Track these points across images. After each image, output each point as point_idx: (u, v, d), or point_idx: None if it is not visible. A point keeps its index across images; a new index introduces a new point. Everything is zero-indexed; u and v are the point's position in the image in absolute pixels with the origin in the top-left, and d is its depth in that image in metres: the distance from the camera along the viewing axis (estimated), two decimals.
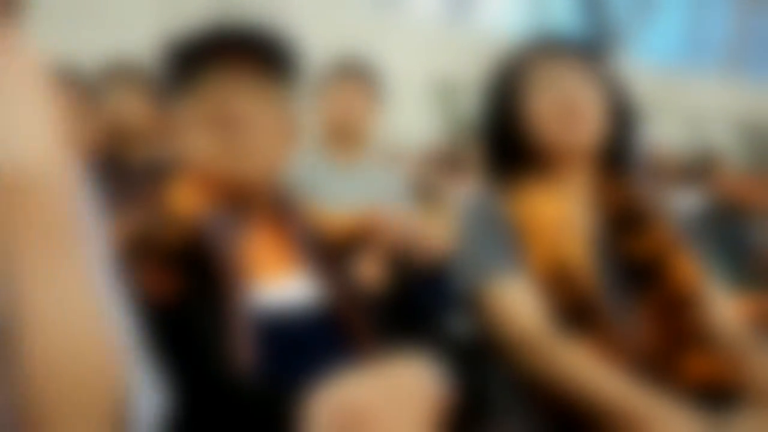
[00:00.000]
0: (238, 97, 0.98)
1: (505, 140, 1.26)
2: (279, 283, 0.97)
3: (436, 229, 1.95)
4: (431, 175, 2.95)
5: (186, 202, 0.98)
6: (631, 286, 1.14)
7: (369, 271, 1.54)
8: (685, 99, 7.35)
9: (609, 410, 1.01)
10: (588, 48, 1.30)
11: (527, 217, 1.18)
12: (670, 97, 7.20)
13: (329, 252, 1.04)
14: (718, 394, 1.08)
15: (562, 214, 1.18)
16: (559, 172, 1.22)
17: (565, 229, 1.16)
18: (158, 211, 0.98)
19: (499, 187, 1.24)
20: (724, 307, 1.20)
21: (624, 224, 1.20)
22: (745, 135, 7.65)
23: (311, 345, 0.92)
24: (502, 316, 1.12)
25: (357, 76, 2.11)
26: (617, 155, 1.25)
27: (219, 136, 0.97)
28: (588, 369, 1.04)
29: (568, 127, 1.19)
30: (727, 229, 3.05)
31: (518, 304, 1.11)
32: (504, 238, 1.16)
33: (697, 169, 4.76)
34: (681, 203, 3.40)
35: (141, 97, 1.86)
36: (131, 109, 1.89)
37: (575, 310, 1.10)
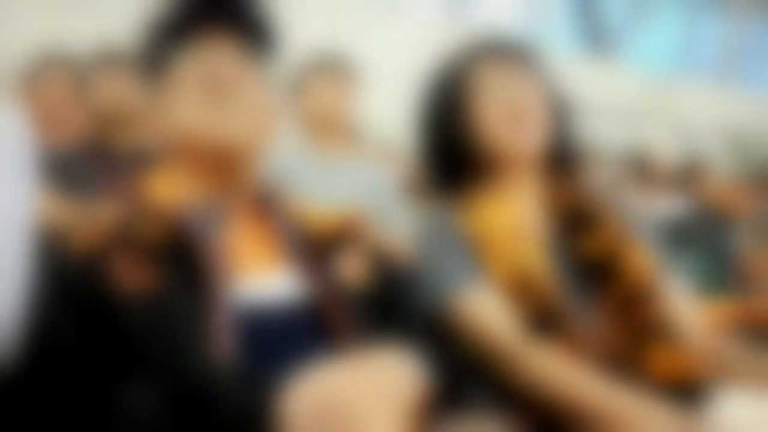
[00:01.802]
0: (227, 65, 0.99)
1: (450, 148, 1.23)
2: (261, 278, 0.96)
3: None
4: (417, 173, 2.94)
5: (168, 192, 0.98)
6: (588, 285, 1.14)
7: (351, 268, 1.54)
8: (676, 106, 7.38)
9: (587, 412, 1.02)
10: (525, 48, 1.28)
11: (482, 228, 1.17)
12: (661, 104, 7.23)
13: (312, 247, 1.04)
14: (683, 387, 1.09)
15: (515, 221, 1.17)
16: (506, 178, 1.21)
17: (520, 236, 1.16)
18: (139, 201, 0.98)
19: (449, 199, 1.23)
20: (682, 302, 1.21)
21: (574, 224, 1.19)
22: (733, 143, 7.70)
23: (292, 340, 0.92)
24: (471, 328, 1.11)
25: (339, 69, 2.11)
26: (561, 156, 1.25)
27: (209, 101, 0.97)
28: (563, 373, 1.05)
29: (518, 132, 1.18)
30: (711, 235, 3.08)
31: (486, 315, 1.11)
32: (462, 251, 1.15)
33: (685, 175, 4.79)
34: (667, 208, 3.42)
35: (129, 82, 1.85)
36: (119, 94, 1.88)
37: (538, 315, 1.10)
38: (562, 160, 1.25)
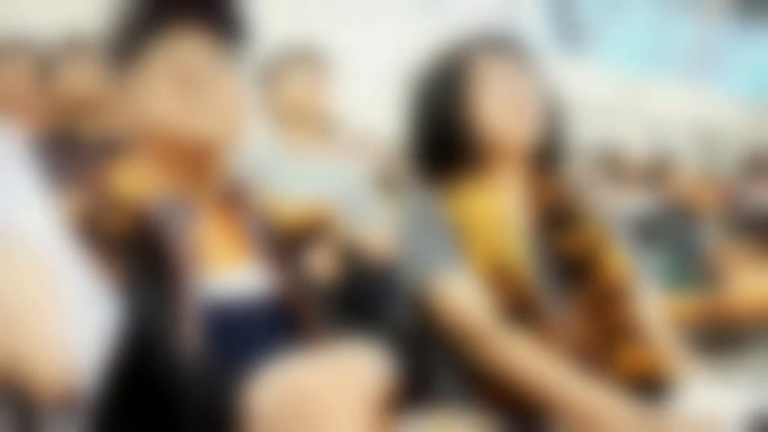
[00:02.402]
0: (199, 59, 0.97)
1: (445, 136, 1.24)
2: (229, 273, 0.95)
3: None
4: (396, 164, 2.94)
5: (135, 184, 0.96)
6: (564, 281, 1.16)
7: (320, 263, 1.54)
8: (647, 104, 7.47)
9: (556, 400, 1.04)
10: (522, 45, 1.29)
11: (465, 216, 1.18)
12: (631, 101, 7.31)
13: (281, 242, 1.03)
14: (647, 384, 1.11)
15: (498, 212, 1.18)
16: (494, 169, 1.22)
17: (502, 228, 1.17)
18: (105, 193, 0.96)
19: (434, 186, 1.24)
20: (650, 302, 1.23)
21: (556, 221, 1.21)
22: (702, 141, 7.81)
23: (259, 335, 0.91)
24: (447, 311, 1.12)
25: (313, 61, 2.10)
26: (549, 154, 1.26)
27: (181, 95, 0.95)
28: (534, 360, 1.06)
29: (515, 125, 1.20)
30: (678, 230, 3.12)
31: (463, 299, 1.12)
32: (444, 237, 1.16)
33: (655, 171, 4.86)
34: (637, 204, 3.47)
35: (94, 69, 1.82)
36: (84, 82, 1.85)
37: (514, 306, 1.11)
38: (549, 157, 1.26)
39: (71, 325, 0.68)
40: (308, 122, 2.07)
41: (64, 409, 0.67)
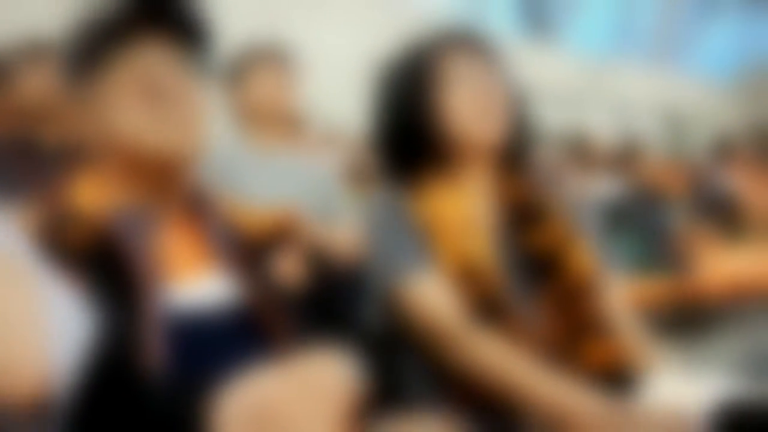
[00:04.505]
0: (162, 68, 0.96)
1: (412, 134, 1.23)
2: (194, 283, 0.94)
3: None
4: (365, 159, 2.93)
5: (95, 196, 0.94)
6: (532, 279, 1.17)
7: (287, 268, 1.53)
8: (613, 88, 7.53)
9: (525, 398, 1.04)
10: (487, 39, 1.29)
11: (432, 215, 1.18)
12: (598, 86, 7.37)
13: (246, 249, 1.02)
14: (615, 377, 1.12)
15: (465, 211, 1.18)
16: (461, 167, 1.22)
17: (469, 226, 1.17)
18: (64, 205, 0.94)
19: (402, 185, 1.23)
20: (617, 293, 1.24)
21: (522, 219, 1.21)
22: (668, 124, 7.91)
23: (227, 345, 0.90)
24: (417, 311, 1.12)
25: (278, 60, 2.07)
26: (516, 150, 1.26)
27: (146, 106, 0.94)
28: (504, 358, 1.07)
29: (483, 123, 1.19)
30: (646, 214, 3.15)
31: (433, 299, 1.12)
32: (412, 236, 1.16)
33: (622, 156, 4.91)
34: (604, 189, 3.50)
35: (52, 75, 1.78)
36: (42, 88, 1.81)
37: (483, 304, 1.12)
38: (516, 154, 1.26)
39: (44, 333, 0.69)
40: (276, 121, 2.05)
41: (36, 418, 0.67)
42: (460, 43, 1.24)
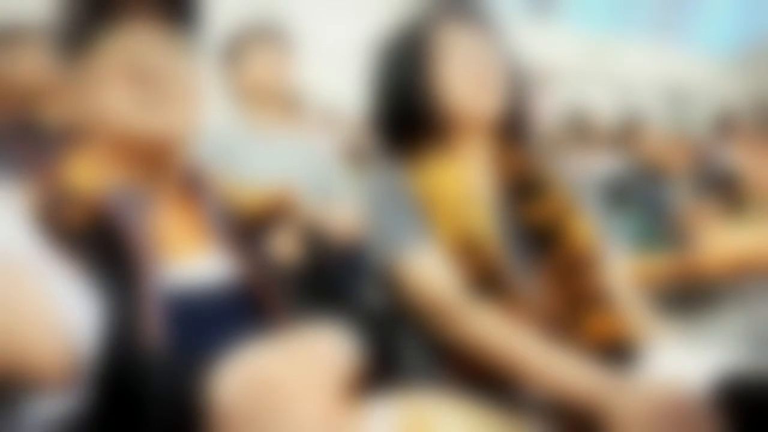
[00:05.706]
0: (153, 49, 0.94)
1: (409, 108, 1.22)
2: (191, 261, 0.94)
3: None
4: (363, 137, 2.92)
5: (89, 174, 0.94)
6: (531, 252, 1.16)
7: (283, 246, 1.52)
8: (614, 65, 7.49)
9: (524, 371, 1.04)
10: (485, 13, 1.28)
11: (431, 190, 1.17)
12: (598, 62, 7.33)
13: (242, 227, 1.02)
14: (615, 350, 1.12)
15: (464, 184, 1.18)
16: (460, 141, 1.21)
17: (468, 200, 1.16)
18: (59, 186, 0.93)
19: (399, 160, 1.22)
20: (618, 267, 1.24)
21: (521, 191, 1.21)
22: (670, 100, 7.87)
23: (224, 323, 0.90)
24: (416, 286, 1.12)
25: (275, 38, 2.06)
26: (514, 124, 1.25)
27: (137, 89, 0.92)
28: (502, 332, 1.07)
29: (480, 96, 1.19)
30: (648, 192, 3.15)
31: (431, 274, 1.12)
32: (410, 211, 1.16)
33: (623, 133, 4.88)
34: (605, 166, 3.49)
35: (40, 56, 1.77)
36: (34, 69, 1.80)
37: (483, 278, 1.11)
38: (515, 127, 1.25)
39: (58, 310, 0.72)
40: (273, 101, 2.04)
41: (68, 387, 0.72)
42: (456, 14, 1.23)
